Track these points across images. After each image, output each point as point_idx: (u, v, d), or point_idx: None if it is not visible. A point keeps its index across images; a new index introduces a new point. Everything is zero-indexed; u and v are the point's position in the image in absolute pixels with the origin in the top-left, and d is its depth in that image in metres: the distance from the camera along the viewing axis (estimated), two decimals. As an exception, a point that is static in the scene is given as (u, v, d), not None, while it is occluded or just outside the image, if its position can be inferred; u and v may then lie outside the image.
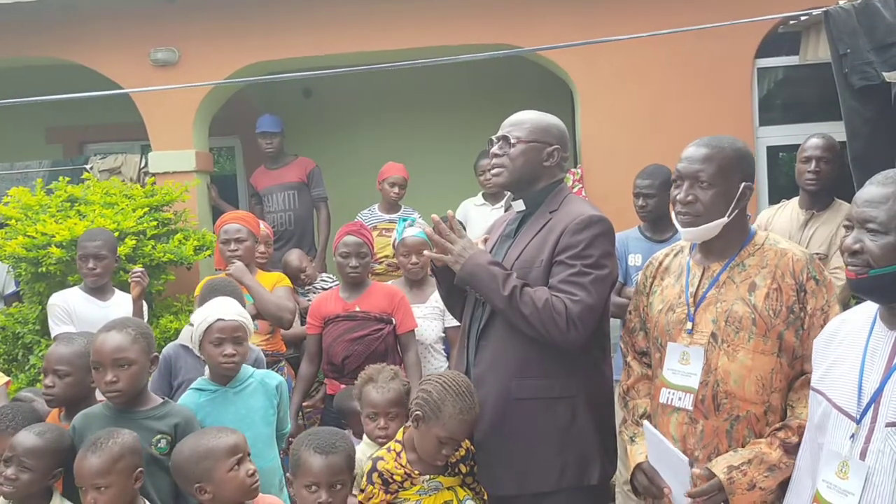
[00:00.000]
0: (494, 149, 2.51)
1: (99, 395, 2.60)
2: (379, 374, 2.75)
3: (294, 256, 4.58)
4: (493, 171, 2.54)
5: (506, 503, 2.47)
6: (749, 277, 2.12)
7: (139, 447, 2.27)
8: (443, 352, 3.79)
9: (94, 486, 2.18)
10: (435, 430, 2.35)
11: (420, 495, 2.43)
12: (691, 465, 2.04)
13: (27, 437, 2.35)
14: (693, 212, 2.13)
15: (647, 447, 2.22)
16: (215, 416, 2.65)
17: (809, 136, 3.77)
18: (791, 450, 1.98)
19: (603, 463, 2.40)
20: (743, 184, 2.13)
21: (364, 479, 2.46)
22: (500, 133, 2.52)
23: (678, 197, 2.15)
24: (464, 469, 2.50)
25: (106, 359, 2.41)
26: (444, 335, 3.77)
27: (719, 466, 2.01)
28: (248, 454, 2.32)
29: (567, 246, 2.34)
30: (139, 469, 2.24)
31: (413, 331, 3.55)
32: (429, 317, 3.71)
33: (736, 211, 2.13)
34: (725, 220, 2.12)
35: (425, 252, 3.03)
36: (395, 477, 2.42)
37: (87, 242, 3.83)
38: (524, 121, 2.50)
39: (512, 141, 2.46)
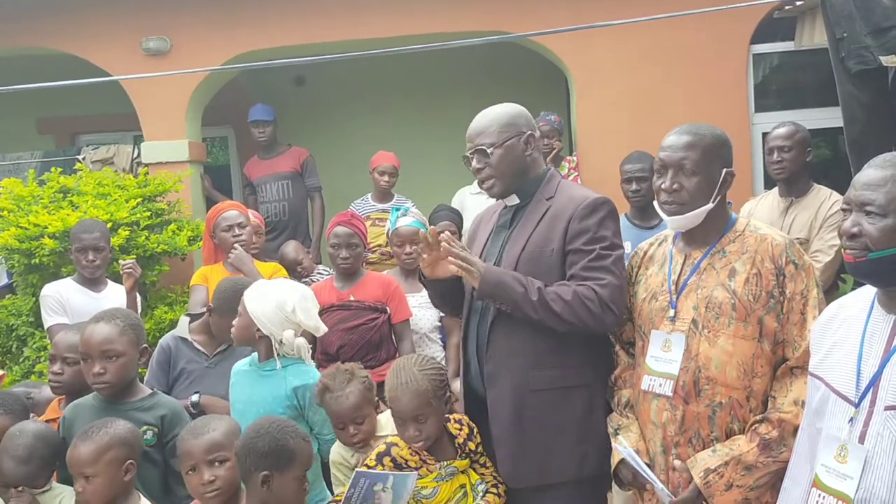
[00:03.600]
0: (475, 164, 2.46)
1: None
2: (334, 381, 2.62)
3: (290, 248, 4.54)
4: (485, 186, 2.49)
5: (522, 491, 2.44)
6: (729, 263, 2.12)
7: (133, 439, 2.26)
8: (439, 340, 3.78)
9: (82, 475, 2.17)
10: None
11: (437, 482, 2.41)
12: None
13: (29, 432, 2.35)
14: (679, 199, 2.14)
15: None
16: (237, 390, 2.67)
17: (775, 127, 3.83)
18: (771, 445, 1.99)
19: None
20: (724, 170, 2.14)
21: (373, 459, 2.40)
22: (470, 148, 2.46)
23: (663, 186, 2.16)
24: (472, 446, 2.47)
25: (94, 350, 2.41)
26: (439, 324, 3.76)
27: (697, 470, 2.02)
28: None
29: (579, 232, 2.31)
30: (129, 461, 2.22)
31: (408, 320, 3.54)
32: (424, 306, 3.70)
33: (719, 197, 2.14)
34: (710, 206, 2.13)
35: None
36: (409, 463, 2.39)
37: (84, 234, 3.79)
38: (487, 125, 2.44)
39: (487, 151, 2.41)
